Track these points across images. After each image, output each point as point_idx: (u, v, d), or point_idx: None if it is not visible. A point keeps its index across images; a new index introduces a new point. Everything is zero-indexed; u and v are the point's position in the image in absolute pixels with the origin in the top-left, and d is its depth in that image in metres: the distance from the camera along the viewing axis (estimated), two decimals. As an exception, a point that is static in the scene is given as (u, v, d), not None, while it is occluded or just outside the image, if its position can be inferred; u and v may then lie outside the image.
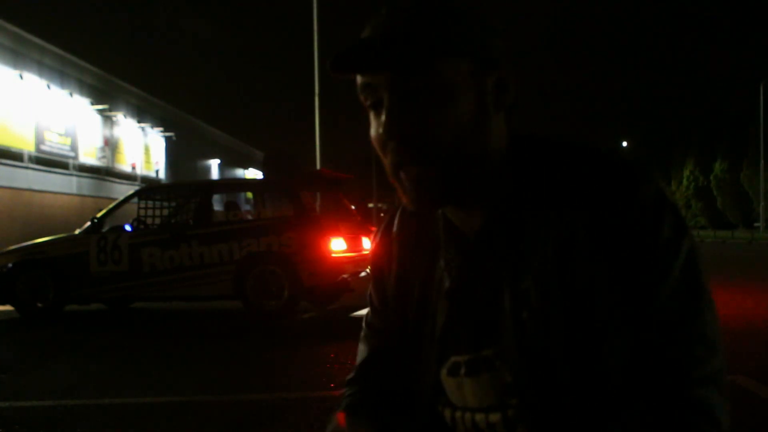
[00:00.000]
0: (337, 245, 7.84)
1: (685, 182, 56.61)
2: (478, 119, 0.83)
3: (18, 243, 9.44)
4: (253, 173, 49.19)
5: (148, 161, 31.21)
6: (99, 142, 26.20)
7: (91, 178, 25.49)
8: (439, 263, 0.94)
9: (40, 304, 8.18)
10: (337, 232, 7.93)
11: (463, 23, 0.83)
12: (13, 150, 20.21)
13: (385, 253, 1.04)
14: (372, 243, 1.10)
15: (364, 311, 1.13)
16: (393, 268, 1.01)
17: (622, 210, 0.78)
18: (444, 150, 0.82)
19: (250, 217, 9.11)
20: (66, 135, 23.39)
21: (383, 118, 0.83)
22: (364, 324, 1.11)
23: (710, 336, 0.78)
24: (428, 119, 0.81)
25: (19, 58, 21.02)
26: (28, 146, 21.00)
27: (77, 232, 8.53)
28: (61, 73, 23.53)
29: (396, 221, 1.04)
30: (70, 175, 23.91)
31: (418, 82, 0.81)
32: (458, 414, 0.92)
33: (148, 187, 10.46)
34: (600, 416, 0.79)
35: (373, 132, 0.87)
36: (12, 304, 8.24)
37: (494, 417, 0.87)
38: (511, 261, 0.85)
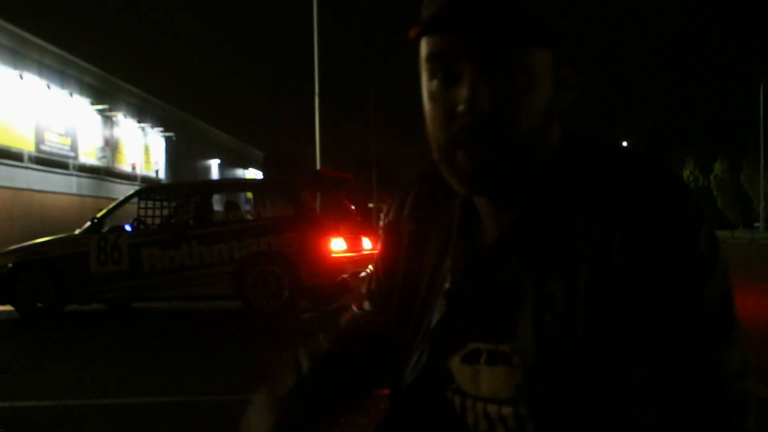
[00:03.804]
0: (337, 245, 7.85)
1: (685, 182, 56.51)
2: (549, 112, 0.82)
3: (18, 243, 9.44)
4: (253, 173, 49.15)
5: (148, 161, 31.19)
6: (99, 142, 26.18)
7: (91, 178, 25.47)
8: (446, 261, 0.93)
9: (40, 304, 8.18)
10: (337, 232, 7.93)
11: (558, 12, 0.82)
12: (13, 150, 20.19)
13: (395, 237, 1.02)
14: (382, 224, 1.07)
15: None
16: (402, 260, 0.99)
17: (662, 221, 0.77)
18: (517, 136, 0.79)
19: (250, 217, 9.11)
20: (66, 135, 23.37)
21: (463, 90, 0.79)
22: (353, 304, 1.10)
23: (738, 354, 0.77)
24: (512, 101, 0.78)
25: (19, 58, 21.00)
26: (28, 146, 20.98)
27: (77, 232, 8.54)
28: (61, 73, 23.51)
29: (408, 205, 1.01)
30: (70, 175, 23.89)
31: (510, 60, 0.78)
32: (469, 402, 0.91)
33: (148, 187, 10.47)
34: (609, 424, 0.78)
35: (434, 105, 0.82)
36: (12, 304, 8.25)
37: (506, 410, 0.87)
38: (539, 261, 0.83)
